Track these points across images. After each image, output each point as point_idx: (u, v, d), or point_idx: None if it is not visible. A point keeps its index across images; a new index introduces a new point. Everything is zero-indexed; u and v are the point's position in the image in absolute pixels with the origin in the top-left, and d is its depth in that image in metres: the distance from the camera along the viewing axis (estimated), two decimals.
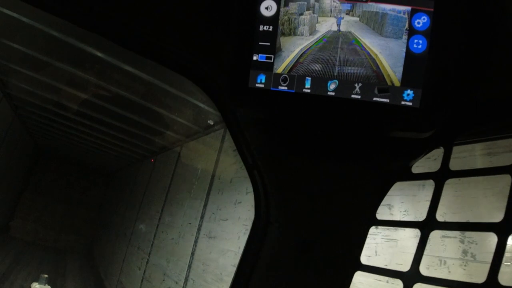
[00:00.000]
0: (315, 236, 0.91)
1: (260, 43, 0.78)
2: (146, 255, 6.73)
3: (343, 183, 0.88)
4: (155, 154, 8.12)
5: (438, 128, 0.73)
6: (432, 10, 0.70)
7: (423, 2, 0.70)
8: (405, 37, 0.72)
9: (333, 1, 0.75)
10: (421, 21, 0.71)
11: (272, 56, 0.77)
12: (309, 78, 0.76)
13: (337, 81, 0.75)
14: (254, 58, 0.78)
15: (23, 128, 9.77)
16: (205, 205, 4.91)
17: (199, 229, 4.87)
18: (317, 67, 0.76)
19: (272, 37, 0.77)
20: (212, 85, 0.92)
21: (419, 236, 0.81)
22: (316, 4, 0.76)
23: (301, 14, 0.76)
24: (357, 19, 0.74)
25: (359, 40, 0.74)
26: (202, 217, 4.89)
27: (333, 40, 0.75)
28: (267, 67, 0.78)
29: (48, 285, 5.36)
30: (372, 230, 0.88)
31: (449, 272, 1.89)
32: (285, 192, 0.94)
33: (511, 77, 0.73)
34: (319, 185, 0.90)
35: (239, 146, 0.97)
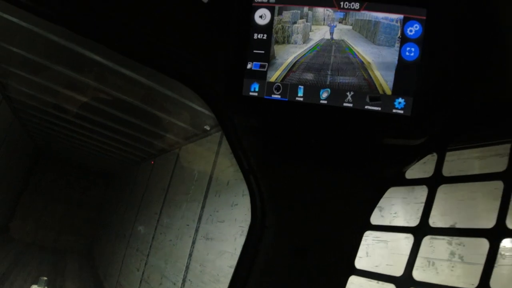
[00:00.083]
0: (310, 241, 0.91)
1: (254, 51, 0.78)
2: (145, 256, 6.71)
3: (337, 190, 0.88)
4: (154, 156, 8.11)
5: (429, 135, 0.72)
6: (424, 18, 0.70)
7: (416, 10, 0.70)
8: (397, 45, 0.71)
9: (326, 10, 0.75)
10: (414, 29, 0.71)
11: (266, 64, 0.77)
12: (302, 87, 0.76)
13: (329, 90, 0.74)
14: (248, 66, 0.78)
15: (23, 130, 9.74)
16: (202, 207, 4.90)
17: (196, 231, 4.86)
18: (309, 76, 0.75)
19: (266, 45, 0.77)
20: (209, 92, 0.92)
21: (412, 241, 0.81)
22: (310, 13, 0.75)
23: (295, 22, 0.76)
24: (350, 27, 0.74)
25: (352, 48, 0.74)
26: (199, 219, 4.88)
27: (326, 48, 0.75)
28: (261, 76, 0.77)
29: (48, 287, 5.32)
30: None
31: (437, 273, 1.90)
32: (279, 198, 0.93)
33: (503, 84, 0.73)
34: (313, 191, 0.89)
35: (236, 151, 0.97)
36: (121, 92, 5.03)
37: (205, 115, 4.90)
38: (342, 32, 0.74)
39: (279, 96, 0.77)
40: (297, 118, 0.77)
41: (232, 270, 1.00)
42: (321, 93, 0.75)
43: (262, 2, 0.77)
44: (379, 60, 0.72)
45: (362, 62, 0.73)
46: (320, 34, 0.75)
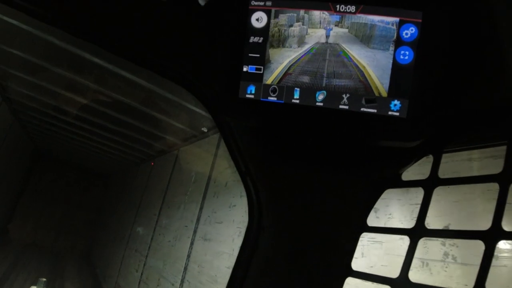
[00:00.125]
0: (307, 243, 0.90)
1: (250, 55, 0.77)
2: (144, 257, 6.69)
3: (334, 191, 0.88)
4: (153, 158, 8.09)
5: (425, 137, 0.72)
6: (420, 21, 0.70)
7: (412, 14, 0.70)
8: (392, 48, 0.71)
9: (323, 13, 0.74)
10: (409, 32, 0.70)
11: (262, 67, 0.77)
12: (298, 89, 0.75)
13: (325, 92, 0.74)
14: (244, 69, 0.78)
15: (22, 131, 9.71)
16: (201, 208, 4.89)
17: (195, 232, 4.85)
18: (305, 78, 0.75)
19: (262, 48, 0.77)
20: (206, 94, 0.92)
21: (408, 243, 0.80)
22: (306, 16, 0.75)
23: (291, 25, 0.76)
24: (346, 30, 0.74)
25: (346, 52, 0.74)
26: (198, 220, 4.87)
27: (321, 52, 0.75)
28: (257, 78, 0.77)
29: None
30: None
31: (431, 273, 1.91)
32: (276, 200, 0.93)
33: (498, 86, 0.73)
34: (310, 193, 0.89)
35: (233, 153, 0.96)
36: (119, 94, 5.03)
37: (203, 117, 4.90)
38: (338, 35, 0.74)
39: (275, 99, 0.77)
40: (293, 120, 0.77)
41: (229, 271, 1.00)
42: (317, 95, 0.74)
43: (258, 5, 0.77)
44: (373, 64, 0.72)
45: (357, 66, 0.73)
46: (316, 37, 0.75)
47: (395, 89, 0.71)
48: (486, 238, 0.67)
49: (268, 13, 0.76)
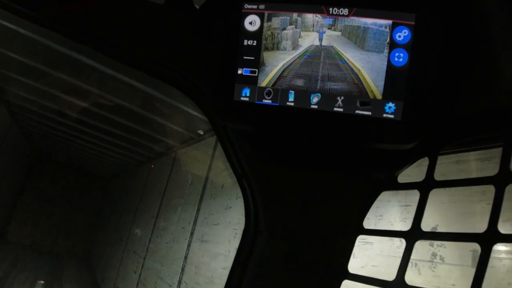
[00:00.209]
0: (303, 245, 0.89)
1: (244, 57, 0.76)
2: (142, 259, 6.65)
3: (330, 194, 0.87)
4: (151, 160, 8.06)
5: (420, 140, 0.71)
6: (413, 23, 0.69)
7: (405, 16, 0.69)
8: (386, 50, 0.70)
9: (315, 16, 0.73)
10: (402, 35, 0.69)
11: (256, 70, 0.76)
12: (293, 92, 0.74)
13: (319, 95, 0.73)
14: (239, 72, 0.76)
15: (21, 134, 9.66)
16: (198, 210, 4.87)
17: (192, 233, 4.83)
18: (299, 81, 0.74)
19: (256, 51, 0.76)
20: (202, 97, 0.91)
21: (404, 246, 0.79)
22: (299, 19, 0.74)
23: (284, 28, 0.75)
24: (339, 33, 0.73)
25: (341, 54, 0.72)
26: (195, 222, 4.85)
27: (315, 54, 0.73)
28: (252, 81, 0.76)
29: None
30: None
31: (420, 273, 1.91)
32: (273, 202, 0.92)
33: (491, 89, 0.72)
34: (306, 195, 0.88)
35: (229, 155, 0.95)
36: (118, 97, 5.01)
37: (200, 119, 4.89)
38: (331, 38, 0.73)
39: (270, 101, 0.75)
40: (288, 123, 0.76)
41: (225, 272, 0.98)
42: (311, 98, 0.73)
43: (251, 9, 0.76)
44: (368, 66, 0.71)
45: (352, 69, 0.72)
46: (309, 40, 0.74)
47: (389, 91, 0.69)
48: (482, 241, 0.66)
49: (261, 16, 0.75)
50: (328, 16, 0.73)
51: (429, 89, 0.70)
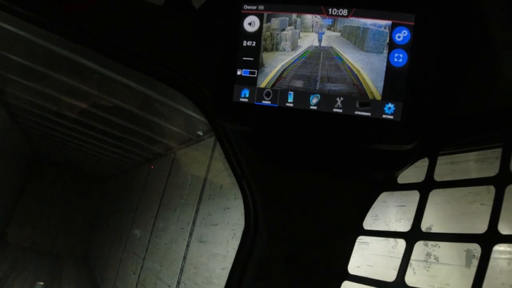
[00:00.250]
0: (303, 246, 0.89)
1: (243, 58, 0.76)
2: (141, 259, 6.63)
3: (329, 195, 0.86)
4: (150, 161, 8.04)
5: (420, 140, 0.70)
6: (412, 24, 0.68)
7: (404, 16, 0.68)
8: (386, 51, 0.69)
9: (315, 17, 0.72)
10: (402, 35, 0.69)
11: (256, 71, 0.75)
12: (292, 93, 0.73)
13: (319, 95, 0.72)
14: (238, 73, 0.76)
15: (20, 135, 9.63)
16: (196, 211, 4.86)
17: (191, 234, 4.81)
18: (299, 82, 0.73)
19: (256, 52, 0.75)
20: (201, 97, 0.91)
21: (404, 247, 0.78)
22: (298, 20, 0.73)
23: (283, 29, 0.74)
24: (339, 34, 0.72)
25: (340, 55, 0.72)
26: (194, 222, 4.84)
27: (315, 55, 0.73)
28: (251, 82, 0.75)
29: None
30: None
31: (414, 273, 1.92)
32: (272, 203, 0.91)
33: (491, 89, 0.71)
34: (305, 196, 0.88)
35: (228, 156, 0.94)
36: (117, 98, 5.00)
37: (199, 120, 4.88)
38: (331, 39, 0.72)
39: (269, 102, 0.75)
40: (287, 124, 0.75)
41: (224, 272, 0.98)
42: (311, 99, 0.72)
43: (251, 9, 0.75)
44: (368, 67, 0.70)
45: (352, 69, 0.71)
46: (308, 41, 0.73)
47: (389, 92, 0.69)
48: (482, 242, 0.65)
49: (260, 17, 0.74)
50: (327, 17, 0.72)
51: (428, 90, 0.69)
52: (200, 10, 0.85)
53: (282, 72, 0.74)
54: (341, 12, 0.71)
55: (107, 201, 12.66)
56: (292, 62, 0.74)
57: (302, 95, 0.73)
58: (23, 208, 12.52)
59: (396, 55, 0.69)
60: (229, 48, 0.76)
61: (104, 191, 13.89)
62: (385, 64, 0.69)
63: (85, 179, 13.80)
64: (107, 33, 0.84)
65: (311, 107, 0.72)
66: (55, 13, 0.82)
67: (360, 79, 0.70)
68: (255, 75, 0.75)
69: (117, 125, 6.03)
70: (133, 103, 5.03)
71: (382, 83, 0.69)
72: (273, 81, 0.74)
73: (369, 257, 2.17)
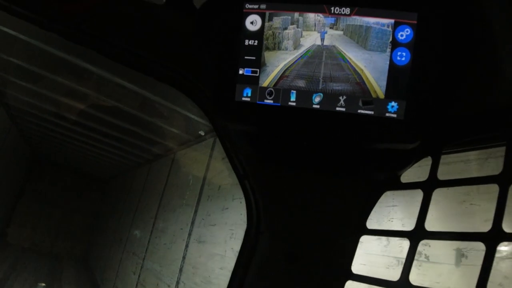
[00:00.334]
0: (304, 246, 0.88)
1: (245, 57, 0.75)
2: (141, 260, 6.60)
3: (333, 194, 0.85)
4: (150, 162, 8.01)
5: (423, 139, 0.69)
6: (415, 22, 0.67)
7: (407, 15, 0.67)
8: (388, 50, 0.68)
9: (317, 15, 0.71)
10: (404, 34, 0.68)
11: (258, 70, 0.74)
12: (294, 92, 0.72)
13: (321, 94, 0.71)
14: (240, 72, 0.75)
15: (20, 136, 9.58)
16: (195, 211, 4.84)
17: (190, 234, 4.80)
18: (302, 81, 0.72)
19: (257, 51, 0.74)
20: (203, 97, 0.89)
21: (408, 246, 0.77)
22: (300, 19, 0.72)
23: (285, 28, 0.73)
24: (341, 32, 0.71)
25: (343, 54, 0.70)
26: (193, 223, 4.82)
27: (317, 54, 0.71)
28: (253, 81, 0.74)
29: None
30: None
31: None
32: (273, 203, 0.90)
33: (491, 89, 0.71)
34: (306, 196, 0.87)
35: (230, 156, 0.93)
36: (116, 100, 4.99)
37: (199, 122, 4.87)
38: (333, 37, 0.71)
39: (271, 101, 0.74)
40: (290, 123, 0.74)
41: (222, 272, 0.96)
42: (313, 97, 0.71)
43: (253, 8, 0.74)
44: (371, 65, 0.69)
45: (355, 68, 0.70)
46: (311, 40, 0.72)
47: (392, 90, 0.68)
48: (487, 240, 0.64)
49: (262, 16, 0.73)
50: (330, 16, 0.71)
51: (431, 88, 0.68)
52: (201, 10, 0.84)
53: (285, 71, 0.73)
54: (343, 10, 0.70)
55: (107, 202, 12.62)
56: (295, 61, 0.72)
57: (304, 94, 0.72)
58: (23, 209, 12.44)
59: (399, 53, 0.68)
60: (230, 47, 0.75)
61: (104, 192, 13.84)
62: (388, 62, 0.68)
63: (85, 180, 13.73)
64: (107, 33, 0.83)
65: (314, 106, 0.71)
66: (55, 13, 0.81)
67: (363, 77, 0.69)
68: (257, 74, 0.74)
69: (116, 126, 6.02)
70: (132, 105, 5.01)
71: (385, 82, 0.68)
72: (275, 80, 0.73)
73: (363, 256, 2.16)
